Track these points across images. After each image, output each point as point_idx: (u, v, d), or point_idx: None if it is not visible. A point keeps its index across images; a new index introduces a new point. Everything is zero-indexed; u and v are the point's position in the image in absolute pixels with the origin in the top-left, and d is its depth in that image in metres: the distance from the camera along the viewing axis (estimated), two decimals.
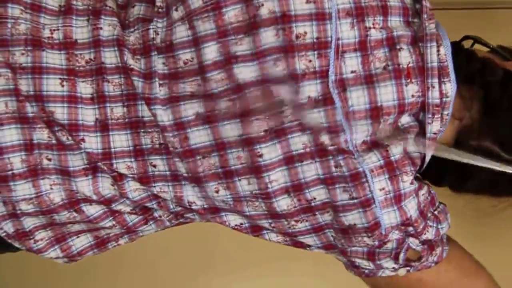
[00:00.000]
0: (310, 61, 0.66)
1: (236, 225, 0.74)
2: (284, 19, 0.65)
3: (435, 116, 0.68)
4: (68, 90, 0.70)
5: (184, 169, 0.70)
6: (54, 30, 0.71)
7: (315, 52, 0.66)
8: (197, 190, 0.71)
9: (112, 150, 0.71)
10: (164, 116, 0.68)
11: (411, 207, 0.68)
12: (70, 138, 0.70)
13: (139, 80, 0.69)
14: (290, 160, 0.67)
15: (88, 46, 0.71)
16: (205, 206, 0.73)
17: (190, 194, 0.72)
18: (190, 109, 0.68)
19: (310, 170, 0.67)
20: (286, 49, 0.65)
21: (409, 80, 0.67)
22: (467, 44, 0.83)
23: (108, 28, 0.71)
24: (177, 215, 0.76)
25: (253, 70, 0.66)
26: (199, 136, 0.68)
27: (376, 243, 0.69)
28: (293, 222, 0.70)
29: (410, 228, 0.69)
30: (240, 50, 0.66)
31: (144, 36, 0.70)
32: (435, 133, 0.69)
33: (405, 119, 0.68)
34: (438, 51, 0.68)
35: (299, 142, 0.67)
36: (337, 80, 0.66)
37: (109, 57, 0.70)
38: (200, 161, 0.69)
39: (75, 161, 0.71)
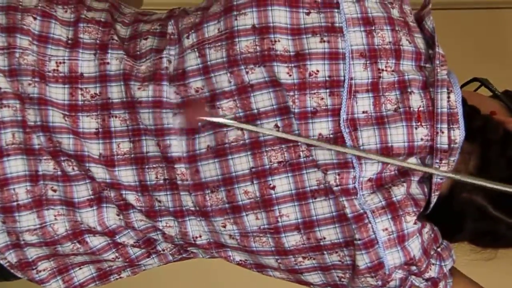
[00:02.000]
0: (322, 98, 0.66)
1: (240, 261, 0.74)
2: (298, 58, 0.66)
3: (443, 162, 0.68)
4: (71, 125, 0.70)
5: (191, 202, 0.70)
6: (60, 62, 0.71)
7: (327, 90, 0.66)
8: (204, 224, 0.71)
9: (120, 182, 0.71)
10: (179, 147, 0.69)
11: (414, 247, 0.68)
12: (76, 168, 0.71)
13: (149, 112, 0.69)
14: (303, 196, 0.67)
15: (94, 81, 0.71)
16: (211, 240, 0.72)
17: (195, 229, 0.72)
18: (203, 142, 0.68)
19: (322, 207, 0.67)
20: (299, 86, 0.66)
21: (419, 123, 0.68)
22: (473, 86, 0.83)
23: (115, 62, 0.71)
24: (180, 249, 0.76)
25: (267, 98, 0.67)
26: (208, 170, 0.69)
27: (380, 283, 0.69)
28: (300, 259, 0.70)
29: (413, 267, 0.69)
30: (254, 79, 0.67)
31: (156, 64, 0.70)
32: (441, 179, 0.69)
33: (411, 161, 0.68)
34: (448, 97, 0.68)
35: (314, 178, 0.67)
36: (348, 119, 0.67)
37: (116, 92, 0.71)
38: (208, 196, 0.69)
39: (80, 192, 0.71)
